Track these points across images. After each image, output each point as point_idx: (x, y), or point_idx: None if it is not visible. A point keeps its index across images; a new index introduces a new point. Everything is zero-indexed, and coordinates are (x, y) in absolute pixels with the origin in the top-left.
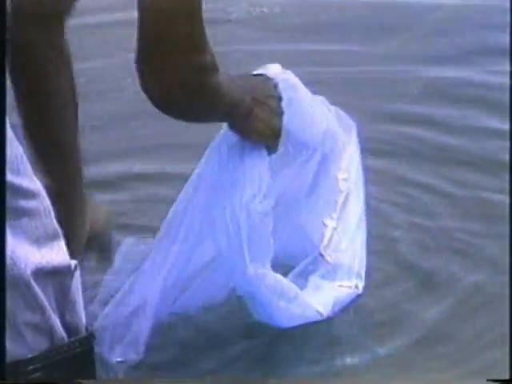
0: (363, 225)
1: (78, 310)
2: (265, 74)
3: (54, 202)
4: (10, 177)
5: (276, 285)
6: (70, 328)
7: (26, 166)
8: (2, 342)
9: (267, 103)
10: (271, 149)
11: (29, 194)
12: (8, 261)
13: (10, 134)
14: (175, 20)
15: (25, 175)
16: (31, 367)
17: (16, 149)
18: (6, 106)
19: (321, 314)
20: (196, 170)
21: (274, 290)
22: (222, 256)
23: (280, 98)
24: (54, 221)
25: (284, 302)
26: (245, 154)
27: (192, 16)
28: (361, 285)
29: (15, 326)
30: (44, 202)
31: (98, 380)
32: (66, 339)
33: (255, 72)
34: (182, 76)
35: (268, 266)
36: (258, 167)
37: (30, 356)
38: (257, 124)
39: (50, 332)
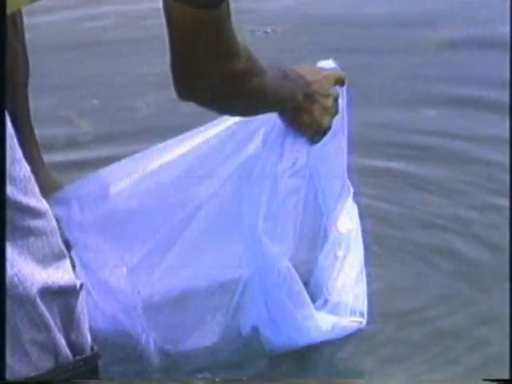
0: (363, 273)
1: (82, 330)
2: (330, 69)
3: None
4: (17, 196)
5: (299, 292)
6: (75, 347)
7: (34, 185)
8: (2, 342)
9: (320, 101)
10: (314, 141)
11: (35, 214)
12: (14, 279)
13: (18, 153)
14: (203, 31)
15: (32, 195)
16: None
17: (24, 169)
18: (5, 109)
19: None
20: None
21: (297, 297)
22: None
23: (337, 98)
24: (60, 240)
25: (300, 315)
26: (287, 137)
27: (219, 26)
28: (364, 321)
29: (20, 345)
30: (50, 222)
31: (98, 381)
32: (70, 358)
33: (320, 65)
34: (215, 84)
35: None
36: (296, 148)
37: (34, 375)
38: (304, 118)
39: (54, 351)
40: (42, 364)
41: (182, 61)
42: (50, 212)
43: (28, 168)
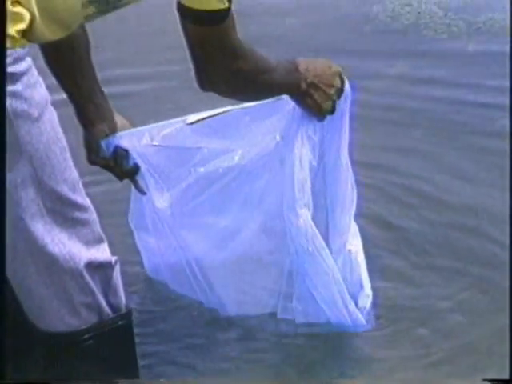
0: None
1: (118, 293)
2: (336, 66)
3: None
4: (68, 194)
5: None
6: (113, 307)
7: (81, 187)
8: (2, 342)
9: (324, 90)
10: (319, 120)
11: (81, 208)
12: (66, 257)
13: (70, 162)
14: (212, 42)
15: (79, 193)
16: (86, 336)
17: (74, 173)
18: (6, 110)
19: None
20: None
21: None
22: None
23: (340, 89)
24: (100, 229)
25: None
26: (304, 117)
27: (225, 36)
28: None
29: (73, 306)
30: (92, 215)
31: (101, 381)
32: (110, 315)
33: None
34: (228, 80)
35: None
36: (306, 124)
37: (84, 327)
38: (308, 101)
39: (98, 310)
40: (90, 320)
41: (199, 65)
42: (91, 207)
43: (76, 173)
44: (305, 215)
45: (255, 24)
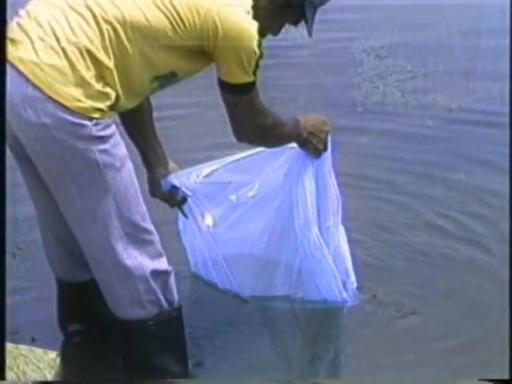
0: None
1: (173, 293)
2: (323, 116)
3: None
4: (140, 221)
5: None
6: (169, 302)
7: (148, 217)
8: (2, 343)
9: (319, 136)
10: (316, 157)
11: (148, 232)
12: (137, 266)
13: (141, 199)
14: (242, 106)
15: (147, 222)
16: (149, 323)
17: (144, 207)
18: (5, 118)
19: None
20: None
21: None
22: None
23: (328, 133)
24: (160, 247)
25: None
26: (307, 156)
27: (252, 102)
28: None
29: (141, 302)
30: (156, 237)
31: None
32: (167, 308)
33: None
34: (255, 133)
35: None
36: (309, 161)
37: (149, 316)
38: (308, 145)
39: (158, 304)
40: (152, 311)
41: (235, 122)
42: (155, 231)
43: (145, 206)
44: (314, 232)
45: None
